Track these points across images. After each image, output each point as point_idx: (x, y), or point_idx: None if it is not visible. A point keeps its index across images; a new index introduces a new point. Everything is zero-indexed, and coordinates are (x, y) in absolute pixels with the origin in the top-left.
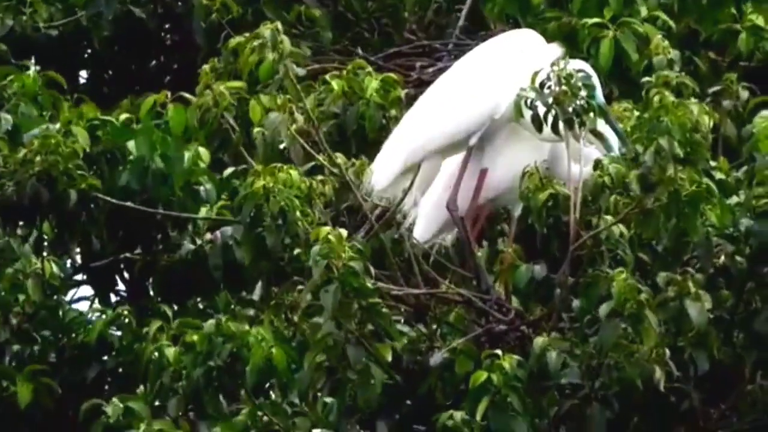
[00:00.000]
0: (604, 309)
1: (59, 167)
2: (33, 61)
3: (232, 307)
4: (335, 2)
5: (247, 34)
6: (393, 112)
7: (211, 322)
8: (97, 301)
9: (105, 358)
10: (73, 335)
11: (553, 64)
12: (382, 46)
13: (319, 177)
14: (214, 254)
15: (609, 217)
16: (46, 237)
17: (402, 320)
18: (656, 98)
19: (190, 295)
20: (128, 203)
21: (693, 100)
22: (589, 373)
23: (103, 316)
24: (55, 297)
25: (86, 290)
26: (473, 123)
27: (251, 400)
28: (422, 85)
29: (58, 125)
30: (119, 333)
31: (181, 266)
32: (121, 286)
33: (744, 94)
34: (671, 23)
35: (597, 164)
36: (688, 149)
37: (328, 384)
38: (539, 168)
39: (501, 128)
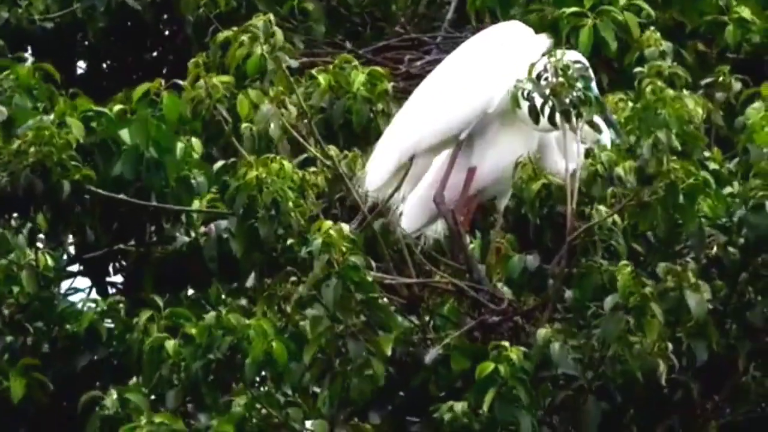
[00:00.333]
0: (609, 302)
1: (53, 158)
2: (29, 53)
3: (224, 298)
4: None
5: (235, 28)
6: (380, 105)
7: (212, 314)
8: (93, 292)
9: (96, 348)
10: (66, 326)
11: (549, 56)
12: (374, 40)
13: (312, 169)
14: (208, 247)
15: (602, 207)
16: (40, 228)
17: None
18: (649, 89)
19: (184, 287)
20: (121, 195)
21: (685, 91)
22: (591, 365)
23: (93, 306)
24: (49, 288)
25: (81, 282)
26: (466, 118)
27: (249, 392)
28: (411, 78)
29: (52, 116)
30: (111, 324)
31: (175, 258)
32: (116, 278)
33: (737, 86)
34: (651, 12)
35: (588, 153)
36: (683, 141)
37: (324, 376)
38: (532, 159)
39: (490, 123)
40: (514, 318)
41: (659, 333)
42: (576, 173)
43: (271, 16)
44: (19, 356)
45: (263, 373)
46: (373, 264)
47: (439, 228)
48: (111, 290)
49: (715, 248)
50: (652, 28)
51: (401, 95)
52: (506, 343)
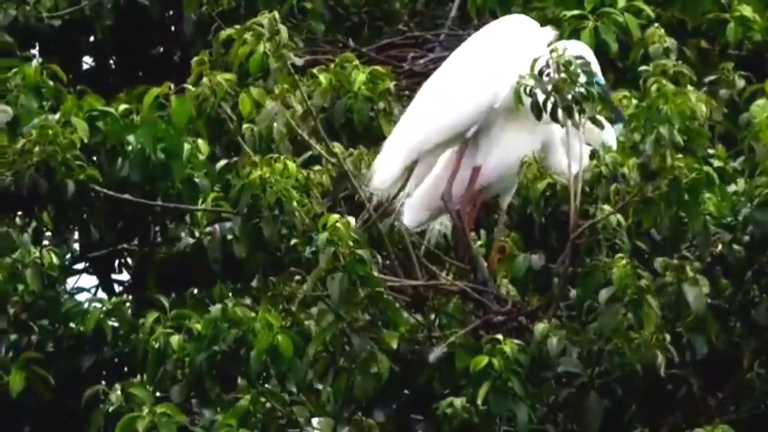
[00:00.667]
0: (603, 294)
1: (57, 157)
2: (36, 51)
3: (228, 298)
4: None
5: (237, 26)
6: (381, 104)
7: (218, 307)
8: (100, 290)
9: (101, 347)
10: (71, 325)
11: (552, 51)
12: (373, 38)
13: (317, 167)
14: (212, 247)
15: (607, 207)
16: (45, 226)
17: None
18: (654, 87)
19: (188, 287)
20: (125, 195)
21: (690, 88)
22: (589, 359)
23: (99, 306)
24: (54, 287)
25: (86, 280)
26: (473, 114)
27: (254, 387)
28: (414, 76)
29: (57, 116)
30: (116, 323)
31: (179, 258)
32: (123, 277)
33: (740, 83)
34: (651, 14)
35: (593, 154)
36: (686, 137)
37: (328, 373)
38: (537, 158)
39: (495, 120)
40: (518, 318)
41: (657, 325)
42: (580, 172)
43: (276, 14)
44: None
45: (273, 368)
46: (379, 259)
47: (446, 222)
48: (117, 288)
49: (720, 246)
50: (656, 24)
51: (404, 93)
52: (500, 336)
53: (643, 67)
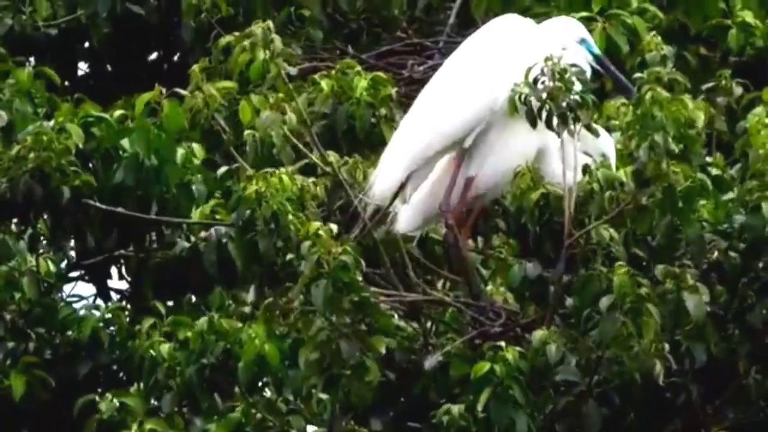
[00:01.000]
0: (604, 302)
1: (52, 164)
2: (32, 60)
3: (227, 304)
4: (323, 2)
5: (237, 33)
6: (383, 111)
7: (204, 319)
8: (96, 298)
9: (98, 354)
10: (68, 332)
11: (546, 60)
12: (372, 46)
13: (311, 179)
14: (208, 251)
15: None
16: (41, 234)
17: (396, 317)
18: (649, 95)
19: (185, 292)
20: (119, 209)
21: (685, 95)
22: (588, 367)
23: (95, 313)
24: (50, 294)
25: (82, 288)
26: (473, 119)
27: (245, 397)
28: (413, 83)
29: (52, 122)
30: (113, 330)
31: (176, 264)
32: (120, 284)
33: (738, 90)
34: (661, 15)
35: (585, 170)
36: (682, 145)
37: (322, 380)
38: (531, 168)
39: (491, 127)
40: (515, 329)
41: (656, 333)
42: (574, 181)
43: (270, 23)
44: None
45: (264, 379)
46: (364, 269)
47: (441, 229)
48: (115, 296)
49: (716, 253)
50: (653, 32)
51: (404, 100)
52: (502, 343)
53: (637, 75)
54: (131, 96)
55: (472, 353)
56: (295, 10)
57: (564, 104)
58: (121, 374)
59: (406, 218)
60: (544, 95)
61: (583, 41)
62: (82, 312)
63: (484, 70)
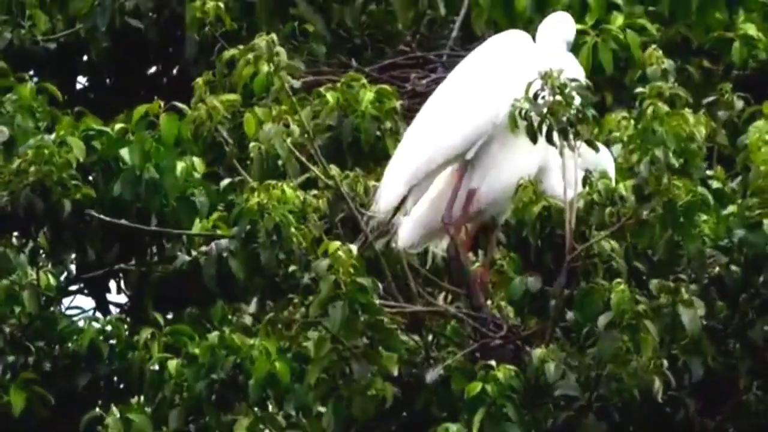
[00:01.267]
0: (602, 320)
1: (53, 177)
2: (32, 74)
3: (229, 317)
4: (327, 17)
5: (241, 47)
6: (388, 123)
7: (215, 334)
8: (95, 311)
9: (97, 366)
10: (67, 345)
11: (546, 75)
12: (375, 60)
13: (314, 192)
14: (208, 265)
15: (602, 233)
16: (41, 247)
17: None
18: (650, 110)
19: (185, 306)
20: (122, 221)
21: (686, 110)
22: (587, 384)
23: (95, 324)
24: (50, 308)
25: (81, 301)
26: (474, 133)
27: (252, 412)
28: (417, 96)
29: (53, 136)
30: (113, 341)
31: (176, 277)
32: (119, 298)
33: (739, 104)
34: (654, 31)
35: (585, 181)
36: (682, 159)
37: (328, 398)
38: (532, 181)
39: (493, 141)
40: (516, 341)
41: (654, 350)
42: (575, 196)
43: (274, 36)
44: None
45: (266, 393)
46: (380, 286)
47: (443, 245)
48: (114, 310)
49: (717, 268)
50: (653, 45)
51: (407, 113)
52: (493, 363)
53: (638, 89)
54: (132, 109)
55: (473, 367)
56: (298, 25)
57: (564, 119)
58: (120, 386)
59: (407, 231)
60: (545, 110)
61: None
62: (80, 324)
63: (485, 84)
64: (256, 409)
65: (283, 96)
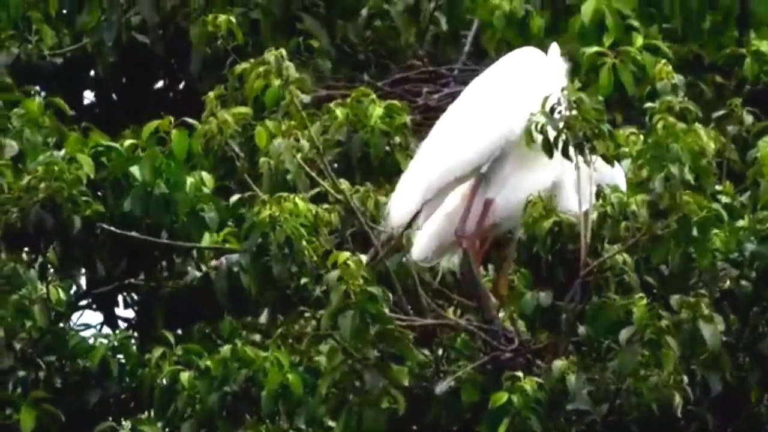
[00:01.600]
0: (624, 334)
1: (63, 194)
2: (38, 89)
3: (239, 332)
4: (332, 33)
5: (252, 60)
6: (397, 139)
7: (227, 347)
8: (104, 326)
9: (107, 383)
10: (77, 361)
11: (562, 89)
12: (380, 76)
13: (325, 205)
14: (219, 280)
15: (615, 247)
16: (51, 263)
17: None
18: (660, 125)
19: (195, 321)
20: (132, 233)
21: (697, 125)
22: (606, 398)
23: (105, 341)
24: (60, 323)
25: (91, 316)
26: (489, 149)
27: (264, 425)
28: (428, 111)
29: (62, 152)
30: (122, 358)
31: (186, 293)
32: (127, 313)
33: (748, 119)
34: (670, 54)
35: (599, 194)
36: (695, 175)
37: (340, 410)
38: (543, 197)
39: (508, 155)
40: (526, 355)
41: (675, 365)
42: (590, 211)
43: (283, 51)
44: (31, 391)
45: (278, 407)
46: (391, 296)
47: (454, 259)
48: (122, 325)
49: (728, 282)
50: (663, 60)
51: (419, 128)
52: (520, 374)
53: (648, 104)
54: (139, 125)
55: (484, 379)
56: (303, 40)
57: (581, 134)
58: (131, 404)
59: (420, 245)
60: (561, 125)
61: None
62: (90, 340)
63: (501, 100)
64: (267, 422)
65: (293, 111)
